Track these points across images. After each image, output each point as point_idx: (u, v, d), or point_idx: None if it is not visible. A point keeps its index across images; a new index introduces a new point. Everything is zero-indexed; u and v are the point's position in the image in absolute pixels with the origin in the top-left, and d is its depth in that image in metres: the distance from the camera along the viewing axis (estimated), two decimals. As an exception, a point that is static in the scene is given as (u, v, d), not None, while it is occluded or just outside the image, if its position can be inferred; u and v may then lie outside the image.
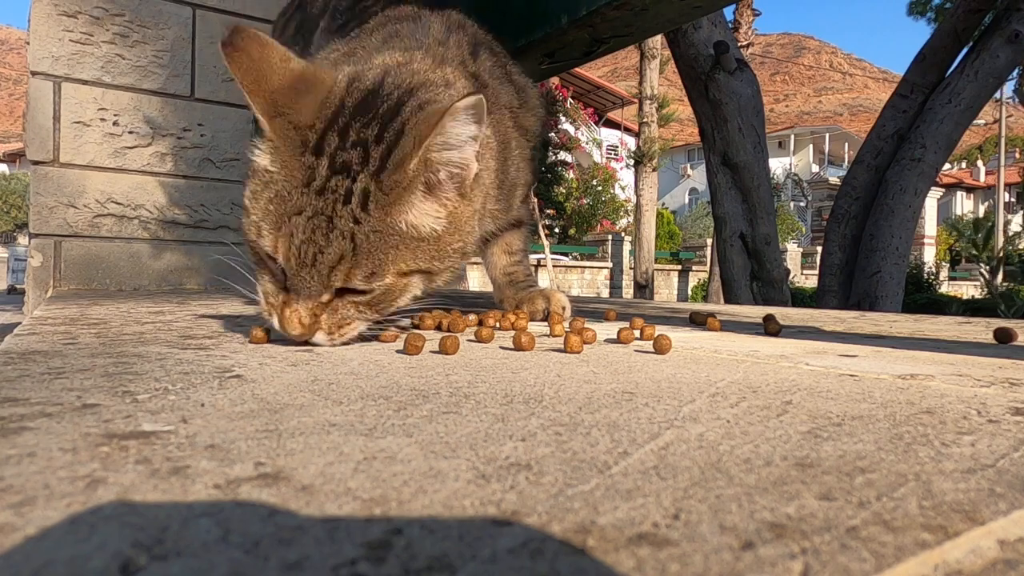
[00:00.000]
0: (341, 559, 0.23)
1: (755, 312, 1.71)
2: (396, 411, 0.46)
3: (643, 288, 12.01)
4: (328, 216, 0.72)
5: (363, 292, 0.77)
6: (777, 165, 23.85)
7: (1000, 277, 13.61)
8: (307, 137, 0.75)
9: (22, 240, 17.60)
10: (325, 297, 0.76)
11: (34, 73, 2.25)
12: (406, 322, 0.94)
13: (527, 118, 1.14)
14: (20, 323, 1.27)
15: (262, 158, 0.77)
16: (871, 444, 0.39)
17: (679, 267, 14.65)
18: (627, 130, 19.80)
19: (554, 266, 10.85)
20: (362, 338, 0.82)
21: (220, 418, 0.43)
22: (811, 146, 30.84)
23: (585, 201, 15.37)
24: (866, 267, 3.98)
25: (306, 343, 0.78)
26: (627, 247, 13.73)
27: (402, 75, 0.84)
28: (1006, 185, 24.02)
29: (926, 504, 0.30)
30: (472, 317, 1.05)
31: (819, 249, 6.09)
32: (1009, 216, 26.43)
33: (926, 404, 0.51)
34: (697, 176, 27.11)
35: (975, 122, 5.35)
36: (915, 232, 4.31)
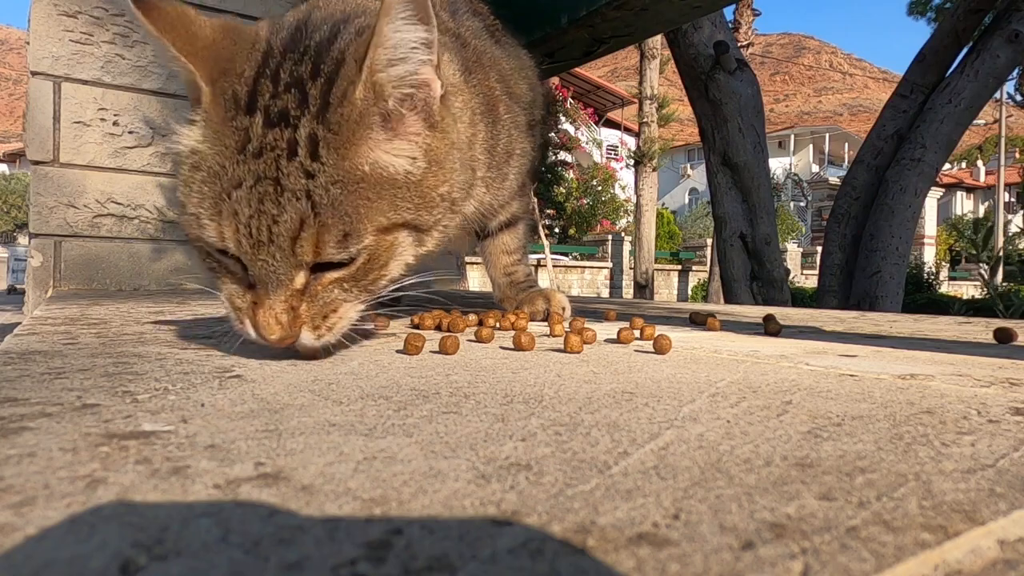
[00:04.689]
0: (341, 559, 0.23)
1: (755, 312, 1.71)
2: (396, 411, 0.46)
3: (643, 288, 12.00)
4: (273, 178, 0.59)
5: (342, 265, 0.63)
6: (777, 165, 23.84)
7: (1000, 277, 13.61)
8: (237, 93, 0.62)
9: (22, 240, 17.59)
10: (299, 281, 0.62)
11: (34, 73, 2.25)
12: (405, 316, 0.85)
13: (518, 84, 1.07)
14: (20, 323, 1.27)
15: (187, 138, 0.64)
16: (871, 444, 0.39)
17: (679, 267, 14.65)
18: (627, 130, 19.79)
19: (554, 266, 10.85)
20: (359, 333, 0.72)
21: (220, 418, 0.43)
22: (811, 146, 30.83)
23: (585, 201, 15.37)
24: (866, 267, 3.98)
25: (294, 352, 0.66)
26: (627, 247, 13.72)
27: (333, 5, 0.73)
28: (1006, 185, 24.01)
29: (926, 504, 0.30)
30: (472, 317, 1.05)
31: (819, 249, 6.09)
32: (1009, 216, 26.42)
33: (926, 404, 0.51)
34: (697, 176, 27.10)
35: (975, 122, 5.35)
36: (915, 232, 4.31)
